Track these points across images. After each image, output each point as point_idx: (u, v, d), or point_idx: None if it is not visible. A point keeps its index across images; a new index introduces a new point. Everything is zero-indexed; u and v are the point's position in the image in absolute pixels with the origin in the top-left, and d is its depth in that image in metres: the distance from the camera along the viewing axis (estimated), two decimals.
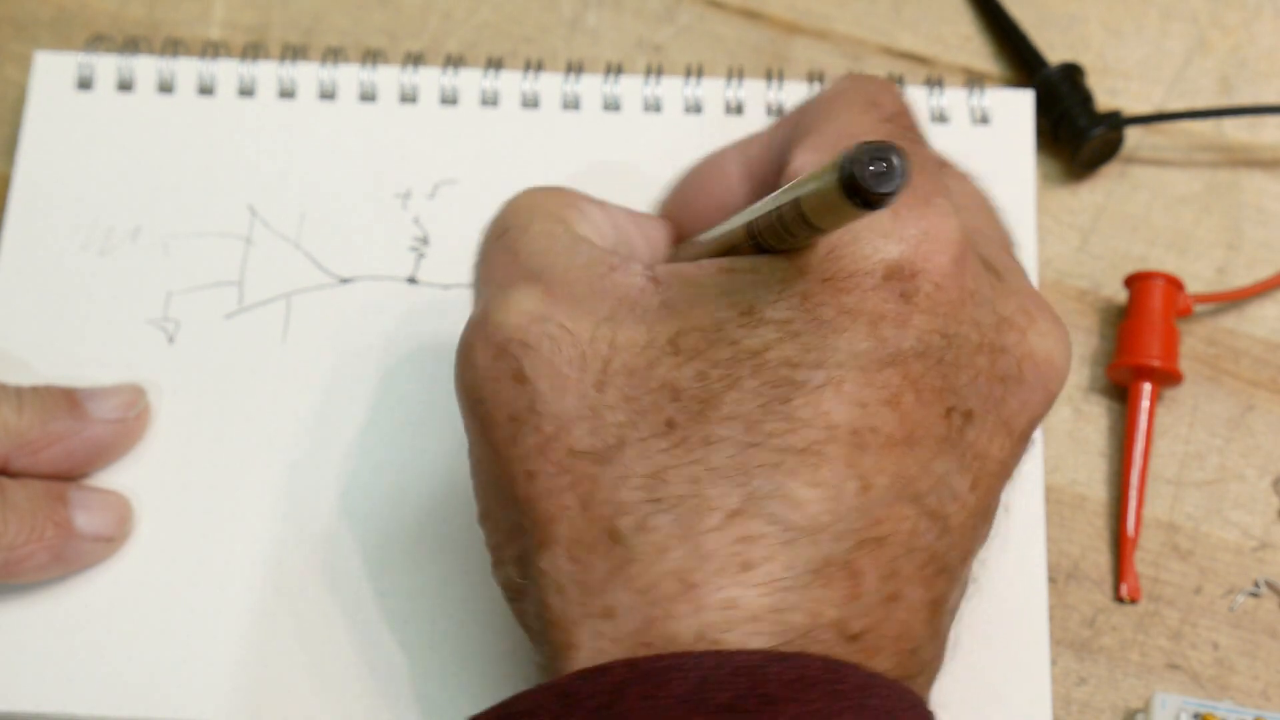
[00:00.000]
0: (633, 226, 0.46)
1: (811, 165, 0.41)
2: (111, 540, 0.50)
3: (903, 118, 0.43)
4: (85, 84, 0.57)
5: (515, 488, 0.40)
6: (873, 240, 0.39)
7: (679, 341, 0.39)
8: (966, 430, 0.39)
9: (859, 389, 0.38)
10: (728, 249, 0.42)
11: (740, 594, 0.37)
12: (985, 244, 0.42)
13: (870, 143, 0.34)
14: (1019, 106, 0.56)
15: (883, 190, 0.34)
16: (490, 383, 0.40)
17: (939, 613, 0.39)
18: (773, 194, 0.39)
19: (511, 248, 0.43)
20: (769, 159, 0.45)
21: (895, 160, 0.34)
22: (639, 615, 0.37)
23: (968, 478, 0.39)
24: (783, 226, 0.38)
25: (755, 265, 0.40)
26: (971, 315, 0.40)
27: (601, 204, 0.45)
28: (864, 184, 0.34)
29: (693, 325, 0.39)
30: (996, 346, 0.40)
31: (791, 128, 0.44)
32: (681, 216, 0.48)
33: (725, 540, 0.37)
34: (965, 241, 0.40)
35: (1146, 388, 0.52)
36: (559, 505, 0.39)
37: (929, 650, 0.39)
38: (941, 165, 0.45)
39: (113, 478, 0.51)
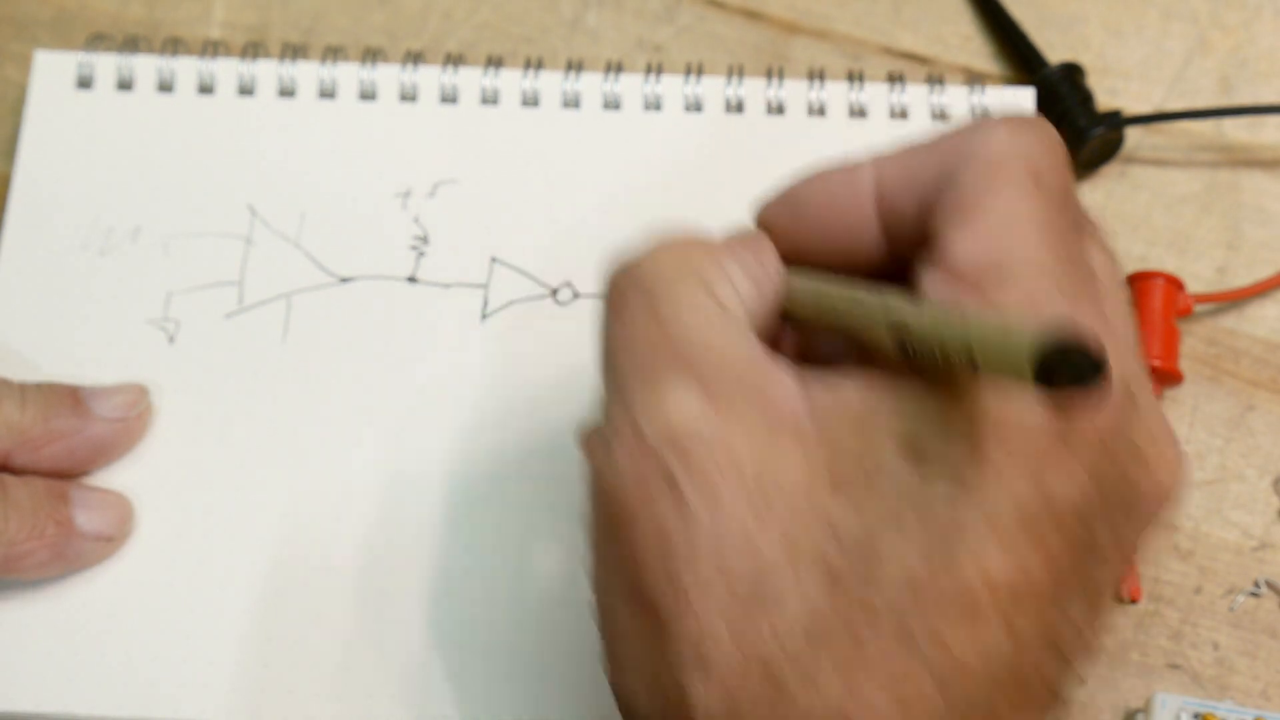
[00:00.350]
0: (758, 269, 0.42)
1: (965, 254, 0.38)
2: (112, 540, 0.50)
3: (1068, 204, 0.40)
4: (85, 83, 0.56)
5: (660, 607, 0.37)
6: None
7: (837, 472, 0.37)
8: (1095, 571, 0.38)
9: (1017, 539, 0.36)
10: (855, 331, 0.39)
11: None
12: (1127, 358, 0.40)
13: (1081, 340, 0.33)
14: (1019, 105, 0.56)
15: (1078, 389, 0.33)
16: (635, 485, 0.37)
17: None
18: (935, 311, 0.37)
19: (656, 317, 0.39)
20: (909, 197, 0.41)
21: (1098, 369, 0.33)
22: None
23: (1094, 618, 0.39)
24: (942, 352, 0.36)
25: (915, 391, 0.38)
26: (1115, 452, 0.38)
27: (734, 251, 0.42)
28: (1060, 382, 0.33)
29: (853, 457, 0.37)
30: (1132, 485, 0.39)
31: (939, 174, 0.40)
32: (794, 225, 0.43)
33: (884, 686, 0.36)
34: (1123, 380, 0.38)
35: None
36: (709, 632, 0.37)
37: None
38: (1094, 250, 0.41)
39: (113, 477, 0.51)
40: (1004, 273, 0.38)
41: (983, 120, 0.41)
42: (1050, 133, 0.41)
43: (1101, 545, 0.38)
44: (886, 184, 0.41)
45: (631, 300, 0.40)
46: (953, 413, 0.37)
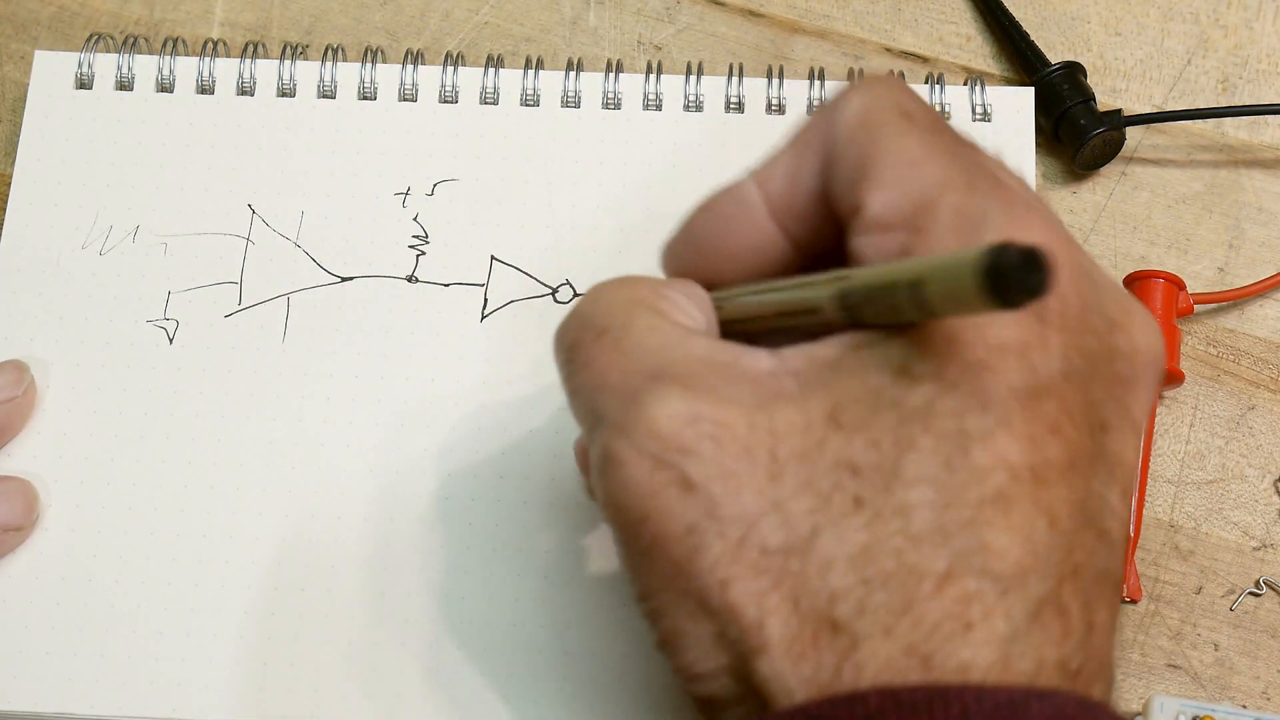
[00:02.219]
0: (695, 295, 0.43)
1: (889, 206, 0.39)
2: (20, 529, 0.50)
3: (940, 123, 0.41)
4: (85, 83, 0.56)
5: (711, 599, 0.38)
6: None
7: (838, 416, 0.38)
8: (1107, 442, 0.39)
9: (1027, 423, 0.37)
10: (798, 315, 0.41)
11: (972, 655, 0.36)
12: (1067, 244, 0.41)
13: (1020, 249, 0.33)
14: (1020, 103, 0.56)
15: (1033, 298, 0.34)
16: (653, 498, 0.38)
17: (1116, 629, 0.39)
18: (866, 278, 0.38)
19: (618, 349, 0.40)
20: (800, 194, 0.42)
21: (1047, 269, 0.33)
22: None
23: (1116, 488, 0.39)
24: (892, 306, 0.37)
25: (889, 331, 0.39)
26: (1091, 323, 0.39)
27: (673, 283, 0.43)
28: (1014, 292, 0.34)
29: (848, 397, 0.38)
30: (1113, 349, 0.40)
31: (821, 158, 0.42)
32: (704, 263, 0.44)
33: (944, 605, 0.36)
34: (1074, 252, 0.39)
35: None
36: (768, 607, 0.37)
37: (1114, 670, 0.39)
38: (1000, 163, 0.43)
39: (110, 476, 0.51)
40: (928, 203, 0.39)
41: (833, 98, 0.42)
42: (896, 79, 0.42)
43: (1104, 414, 0.39)
44: (773, 192, 0.43)
45: (590, 344, 0.41)
46: (930, 330, 0.38)
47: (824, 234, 0.42)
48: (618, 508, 0.39)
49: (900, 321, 0.38)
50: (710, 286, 0.44)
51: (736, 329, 0.43)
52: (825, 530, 0.37)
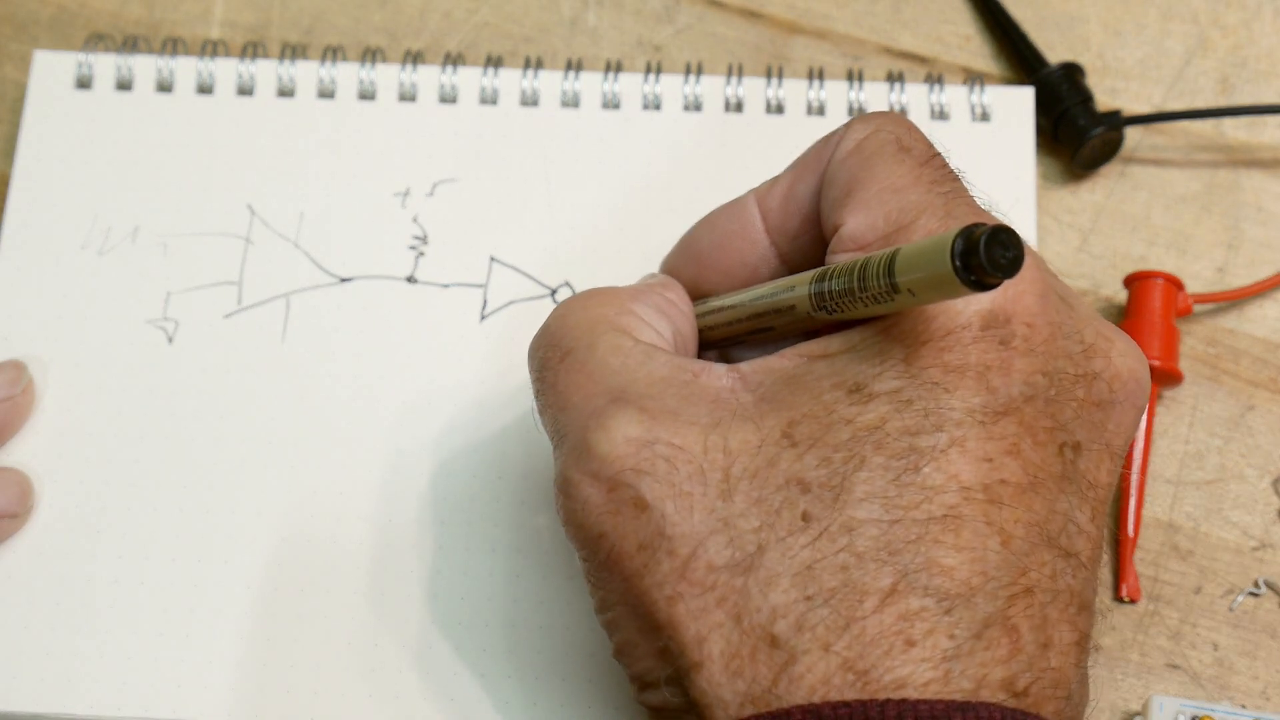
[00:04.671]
0: (670, 308, 0.45)
1: (865, 226, 0.41)
2: (15, 517, 0.50)
3: (935, 158, 0.42)
4: (84, 83, 0.56)
5: (657, 614, 0.39)
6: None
7: (792, 433, 0.39)
8: (1078, 462, 0.40)
9: (982, 444, 0.38)
10: (772, 314, 0.41)
11: (910, 671, 0.36)
12: (1046, 273, 0.42)
13: (990, 228, 0.34)
14: (1019, 103, 0.56)
15: (1004, 276, 0.34)
16: (609, 516, 0.39)
17: (1084, 651, 0.39)
18: (843, 263, 0.39)
19: (582, 370, 0.42)
20: (793, 212, 0.44)
21: (1016, 246, 0.34)
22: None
23: (1087, 509, 0.40)
24: (866, 299, 0.38)
25: (847, 343, 0.39)
26: (1063, 348, 0.40)
27: (640, 295, 0.44)
28: (985, 269, 0.34)
29: (802, 414, 0.39)
30: (1089, 374, 0.40)
31: (816, 179, 0.43)
32: (699, 273, 0.46)
33: (886, 622, 0.37)
34: (1045, 277, 0.40)
35: None
36: (710, 623, 0.38)
37: (1079, 693, 0.39)
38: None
39: (109, 476, 0.51)
40: (904, 225, 0.40)
41: (838, 128, 0.44)
42: (899, 115, 0.43)
43: (1076, 435, 0.39)
44: (770, 209, 0.44)
45: (556, 366, 0.42)
46: (886, 349, 0.39)
47: (813, 255, 0.43)
48: (576, 526, 0.40)
49: (870, 313, 0.39)
50: (699, 297, 0.46)
51: (716, 335, 0.45)
52: (771, 547, 0.38)
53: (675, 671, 0.39)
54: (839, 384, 0.39)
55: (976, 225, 0.35)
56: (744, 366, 0.41)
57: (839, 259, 0.40)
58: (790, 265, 0.44)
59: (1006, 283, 0.38)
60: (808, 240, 0.44)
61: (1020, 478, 0.38)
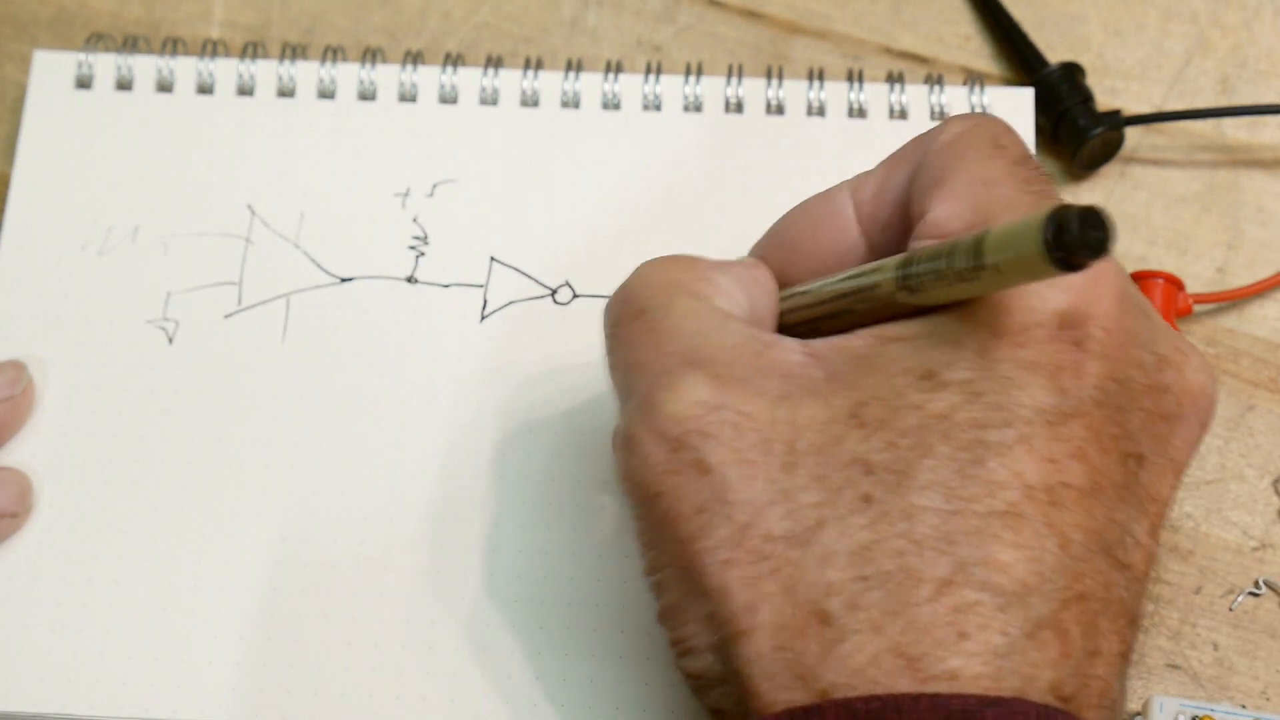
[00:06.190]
0: (753, 284, 0.44)
1: (952, 215, 0.40)
2: (15, 516, 0.50)
3: (1029, 160, 0.42)
4: (84, 83, 0.56)
5: (709, 578, 0.39)
6: (1040, 290, 0.38)
7: (860, 413, 0.38)
8: (1140, 474, 0.39)
9: (1048, 444, 0.38)
10: (854, 294, 0.41)
11: (962, 664, 0.36)
12: (1130, 286, 0.42)
13: (1082, 208, 0.34)
14: (1019, 104, 0.56)
15: (1093, 256, 0.34)
16: (669, 476, 0.39)
17: (1127, 663, 0.39)
18: (931, 245, 0.39)
19: (656, 330, 0.41)
20: (886, 202, 0.44)
21: (1107, 228, 0.34)
22: (858, 694, 0.36)
23: (1145, 523, 0.39)
24: (952, 276, 0.38)
25: (923, 328, 0.39)
26: (1136, 357, 0.39)
27: (722, 266, 0.44)
28: (1075, 249, 0.34)
29: (871, 395, 0.39)
30: (1159, 385, 0.40)
31: (911, 170, 0.43)
32: (788, 259, 0.46)
33: (940, 611, 0.37)
34: (1125, 282, 0.40)
35: None
36: (762, 592, 0.38)
37: (1120, 704, 0.39)
38: None
39: (109, 476, 0.51)
40: (989, 218, 0.40)
41: (937, 124, 0.43)
42: (998, 118, 0.43)
43: (1141, 446, 0.39)
44: (863, 199, 0.44)
45: (630, 323, 0.42)
46: (963, 338, 0.38)
47: (902, 247, 0.42)
48: (634, 483, 0.40)
49: (953, 295, 0.38)
50: (785, 285, 0.45)
51: (794, 319, 0.44)
52: (830, 524, 0.38)
53: (721, 639, 0.39)
54: (911, 368, 0.39)
55: (1069, 205, 0.34)
56: (817, 343, 0.40)
57: (923, 244, 0.40)
58: (879, 256, 0.43)
59: (1085, 284, 0.38)
60: (898, 231, 0.43)
61: (1083, 482, 0.38)
